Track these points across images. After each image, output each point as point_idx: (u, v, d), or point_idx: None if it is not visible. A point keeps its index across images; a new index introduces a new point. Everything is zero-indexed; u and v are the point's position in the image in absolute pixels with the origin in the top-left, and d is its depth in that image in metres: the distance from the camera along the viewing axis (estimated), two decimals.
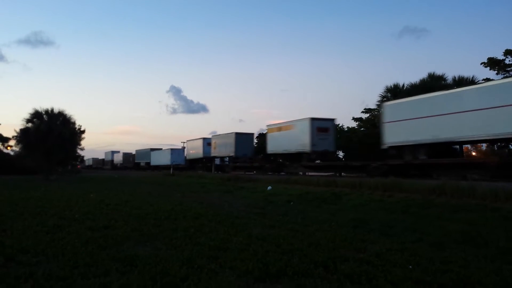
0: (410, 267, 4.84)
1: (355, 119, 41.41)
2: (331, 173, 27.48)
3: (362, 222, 8.49)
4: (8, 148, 46.30)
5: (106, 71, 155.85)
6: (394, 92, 34.52)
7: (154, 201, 12.92)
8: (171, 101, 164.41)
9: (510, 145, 25.63)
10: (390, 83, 40.45)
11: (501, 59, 32.09)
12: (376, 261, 5.09)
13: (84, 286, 4.03)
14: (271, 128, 34.29)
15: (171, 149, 57.99)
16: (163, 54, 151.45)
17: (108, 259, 5.03)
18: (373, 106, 38.57)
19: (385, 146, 22.43)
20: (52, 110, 33.94)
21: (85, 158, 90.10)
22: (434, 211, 10.10)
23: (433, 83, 32.21)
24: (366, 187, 14.81)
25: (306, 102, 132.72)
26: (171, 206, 11.19)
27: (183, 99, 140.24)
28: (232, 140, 39.16)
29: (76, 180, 30.89)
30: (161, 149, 63.60)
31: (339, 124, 41.06)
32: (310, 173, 29.02)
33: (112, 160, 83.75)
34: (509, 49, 31.45)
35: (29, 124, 33.25)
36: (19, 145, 35.06)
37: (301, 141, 29.20)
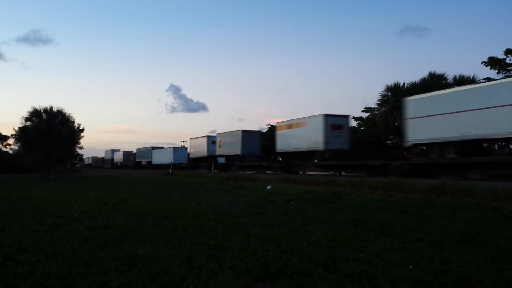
0: (410, 266, 4.83)
1: (355, 118, 41.49)
2: (356, 174, 25.07)
3: (362, 222, 8.48)
4: (7, 146, 46.33)
5: (105, 70, 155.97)
6: (395, 91, 34.50)
7: (153, 200, 12.90)
8: (170, 99, 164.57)
9: None
10: (390, 82, 40.39)
11: (501, 58, 32.11)
12: (376, 260, 5.08)
13: (83, 285, 4.01)
14: (280, 125, 32.84)
15: (174, 148, 56.91)
16: (162, 52, 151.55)
17: (107, 258, 5.01)
18: (373, 105, 38.64)
19: (408, 144, 21.17)
20: (51, 108, 33.94)
21: (84, 157, 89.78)
22: (435, 210, 10.09)
23: (433, 82, 32.21)
24: (366, 186, 14.80)
25: (306, 101, 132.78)
26: (171, 205, 11.17)
27: (183, 98, 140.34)
28: (238, 138, 37.90)
29: (75, 179, 30.88)
30: (163, 147, 62.63)
31: None
32: (322, 173, 27.28)
33: (112, 159, 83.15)
34: (510, 48, 31.47)
35: (28, 123, 33.24)
36: (18, 144, 35.10)
37: (314, 138, 27.84)
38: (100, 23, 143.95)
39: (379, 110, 35.86)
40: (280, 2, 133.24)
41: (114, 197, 13.86)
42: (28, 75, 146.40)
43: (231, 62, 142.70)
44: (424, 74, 38.91)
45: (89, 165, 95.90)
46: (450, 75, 32.65)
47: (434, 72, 33.57)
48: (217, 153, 42.15)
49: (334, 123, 27.63)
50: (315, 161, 28.52)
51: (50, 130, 31.62)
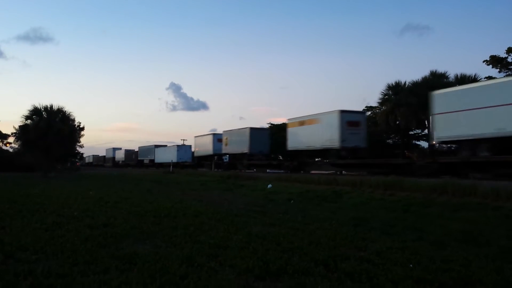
0: (411, 265, 4.82)
1: None
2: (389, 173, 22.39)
3: (362, 221, 8.48)
4: (7, 145, 46.37)
5: (106, 68, 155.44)
6: (396, 90, 34.46)
7: (153, 199, 12.91)
8: (170, 98, 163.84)
9: None
10: (391, 80, 40.36)
11: (503, 57, 32.06)
12: (376, 259, 5.07)
13: (83, 283, 4.00)
14: (292, 122, 31.21)
15: (177, 146, 56.05)
16: (163, 51, 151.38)
17: (108, 257, 5.01)
18: (374, 104, 38.62)
19: (435, 142, 20.00)
20: (51, 107, 34.02)
21: (85, 155, 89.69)
22: (435, 210, 10.09)
23: (435, 81, 32.17)
24: (367, 185, 14.79)
25: (306, 100, 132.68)
26: (171, 204, 11.17)
27: (183, 96, 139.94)
28: (246, 136, 36.43)
29: (75, 177, 30.91)
30: (166, 145, 61.75)
31: None
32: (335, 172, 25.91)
33: (114, 157, 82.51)
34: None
35: (28, 121, 33.33)
36: (18, 142, 35.19)
37: (329, 136, 26.35)
38: (100, 22, 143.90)
39: (380, 109, 35.81)
40: (280, 1, 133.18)
41: (115, 195, 13.87)
42: (29, 74, 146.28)
43: (232, 60, 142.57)
44: (425, 72, 38.95)
45: (90, 164, 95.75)
46: (452, 73, 32.64)
47: (436, 71, 33.55)
48: (223, 151, 40.94)
49: (350, 120, 26.25)
50: (330, 160, 27.16)
51: (50, 129, 31.67)
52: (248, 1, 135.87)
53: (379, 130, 34.88)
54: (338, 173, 25.82)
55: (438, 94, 20.01)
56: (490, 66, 32.71)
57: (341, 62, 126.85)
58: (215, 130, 62.82)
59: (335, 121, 26.17)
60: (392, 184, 13.92)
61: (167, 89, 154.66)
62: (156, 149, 62.67)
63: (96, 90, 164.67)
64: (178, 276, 4.23)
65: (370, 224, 8.12)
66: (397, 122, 33.03)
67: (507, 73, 30.70)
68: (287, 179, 20.52)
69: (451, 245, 6.06)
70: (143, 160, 68.20)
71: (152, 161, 63.18)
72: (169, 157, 54.46)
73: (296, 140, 30.20)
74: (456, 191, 11.51)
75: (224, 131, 41.67)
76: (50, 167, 33.38)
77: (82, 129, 36.42)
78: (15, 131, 34.31)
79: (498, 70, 32.38)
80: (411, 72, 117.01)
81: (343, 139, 25.58)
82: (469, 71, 30.40)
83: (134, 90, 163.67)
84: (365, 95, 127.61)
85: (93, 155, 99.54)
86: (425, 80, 32.99)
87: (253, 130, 36.85)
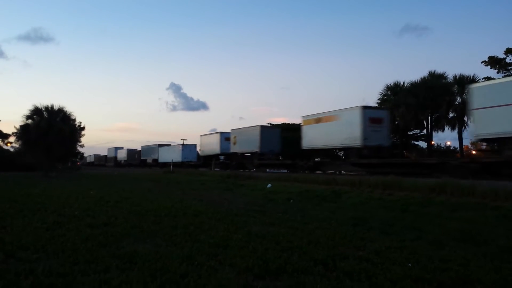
0: (410, 265, 4.85)
1: None
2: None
3: (361, 220, 8.50)
4: (8, 144, 46.29)
5: (106, 68, 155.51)
6: (395, 91, 34.55)
7: (154, 198, 12.93)
8: (171, 98, 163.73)
9: None
10: (390, 81, 40.45)
11: (502, 57, 32.11)
12: (375, 259, 5.10)
13: (84, 282, 4.02)
14: (307, 119, 29.39)
15: (182, 145, 53.89)
16: (163, 51, 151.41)
17: (108, 256, 5.03)
18: (373, 104, 38.60)
19: (474, 139, 18.64)
20: (52, 106, 33.99)
21: (86, 155, 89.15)
22: (434, 209, 10.11)
23: (433, 81, 32.28)
24: (366, 185, 14.81)
25: (306, 100, 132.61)
26: (171, 203, 11.19)
27: (183, 97, 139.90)
28: (256, 135, 34.79)
29: (76, 177, 30.90)
30: (169, 144, 60.15)
31: None
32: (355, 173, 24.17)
33: (116, 157, 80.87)
34: (510, 48, 31.50)
35: (29, 121, 33.28)
36: (19, 142, 35.10)
37: (349, 134, 24.68)
38: (100, 22, 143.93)
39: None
40: (280, 1, 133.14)
41: (115, 195, 13.89)
42: (29, 74, 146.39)
43: (232, 60, 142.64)
44: (424, 73, 39.02)
45: (91, 163, 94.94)
46: (450, 74, 32.73)
47: (434, 71, 33.67)
48: (232, 150, 39.47)
49: (373, 116, 24.58)
50: (351, 159, 25.44)
51: (51, 128, 31.64)
52: (248, 1, 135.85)
53: None
54: (363, 174, 23.35)
55: (478, 87, 18.17)
56: (489, 67, 32.80)
57: (340, 62, 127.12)
58: (215, 130, 62.16)
59: (356, 118, 24.43)
60: (390, 184, 13.94)
61: (167, 89, 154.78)
62: (159, 148, 61.02)
63: (96, 90, 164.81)
64: (178, 275, 4.25)
65: (369, 223, 8.14)
66: (396, 123, 33.08)
67: (506, 74, 30.71)
68: (287, 178, 20.53)
69: (450, 245, 6.08)
70: (146, 160, 66.77)
71: (155, 160, 61.73)
72: (173, 156, 52.80)
73: (312, 138, 28.46)
74: (455, 191, 11.52)
75: (232, 130, 40.11)
76: (51, 167, 33.38)
77: (83, 129, 36.39)
78: (16, 131, 34.25)
79: (496, 71, 32.45)
80: (410, 73, 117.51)
81: (365, 137, 23.90)
82: (467, 72, 30.35)
83: (134, 90, 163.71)
84: (364, 95, 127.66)
85: (94, 155, 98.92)
86: (423, 80, 33.06)
87: (263, 129, 35.53)
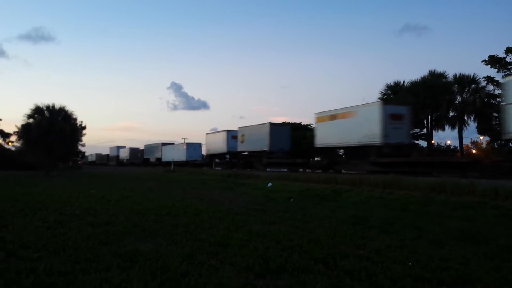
0: (410, 263, 4.86)
1: None
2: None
3: (362, 219, 8.51)
4: (9, 143, 46.31)
5: (107, 67, 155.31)
6: (395, 90, 34.50)
7: (155, 197, 12.96)
8: (171, 97, 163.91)
9: None
10: (390, 80, 40.35)
11: (502, 57, 32.04)
12: (375, 257, 5.11)
13: (85, 281, 4.04)
14: (321, 116, 28.03)
15: (187, 144, 52.13)
16: (164, 50, 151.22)
17: (109, 255, 5.05)
18: None
19: (507, 137, 16.99)
20: (53, 106, 34.03)
21: (88, 154, 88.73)
22: (434, 208, 10.11)
23: (433, 80, 32.23)
24: (366, 184, 14.82)
25: (306, 99, 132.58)
26: (172, 202, 11.22)
27: (184, 96, 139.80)
28: (265, 133, 33.61)
29: (77, 176, 30.94)
30: (173, 143, 58.94)
31: None
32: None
33: (118, 156, 79.91)
34: (510, 47, 31.40)
35: (30, 120, 33.31)
36: (20, 141, 35.13)
37: (368, 131, 23.29)
38: (101, 21, 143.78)
39: None
40: (281, 1, 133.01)
41: (116, 194, 13.91)
42: (30, 73, 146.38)
43: (232, 60, 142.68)
44: (424, 72, 38.91)
45: (93, 162, 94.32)
46: (450, 73, 32.67)
47: (434, 71, 33.61)
48: (239, 149, 38.41)
49: (393, 112, 23.25)
50: (370, 158, 23.89)
51: (52, 128, 31.67)
52: (248, 0, 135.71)
53: None
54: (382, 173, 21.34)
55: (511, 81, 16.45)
56: (489, 66, 32.70)
57: (341, 61, 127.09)
58: (215, 129, 61.76)
59: (375, 114, 23.04)
60: (391, 182, 13.96)
61: (168, 88, 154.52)
62: (163, 147, 59.81)
63: (97, 89, 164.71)
64: (179, 274, 4.27)
65: (369, 222, 8.15)
66: None
67: (506, 73, 30.64)
68: (287, 177, 20.57)
69: (450, 244, 6.09)
70: (149, 159, 65.83)
71: (158, 159, 60.54)
72: (177, 155, 51.79)
73: (326, 135, 26.96)
74: (455, 190, 11.53)
75: (239, 128, 38.87)
76: (52, 166, 33.42)
77: (84, 128, 36.39)
78: (17, 130, 34.28)
79: (496, 70, 32.37)
80: (410, 72, 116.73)
81: (385, 134, 22.42)
82: (467, 71, 30.35)
83: (135, 90, 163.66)
84: (364, 94, 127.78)
85: (96, 154, 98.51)
86: (423, 79, 33.03)
87: (273, 126, 34.24)
